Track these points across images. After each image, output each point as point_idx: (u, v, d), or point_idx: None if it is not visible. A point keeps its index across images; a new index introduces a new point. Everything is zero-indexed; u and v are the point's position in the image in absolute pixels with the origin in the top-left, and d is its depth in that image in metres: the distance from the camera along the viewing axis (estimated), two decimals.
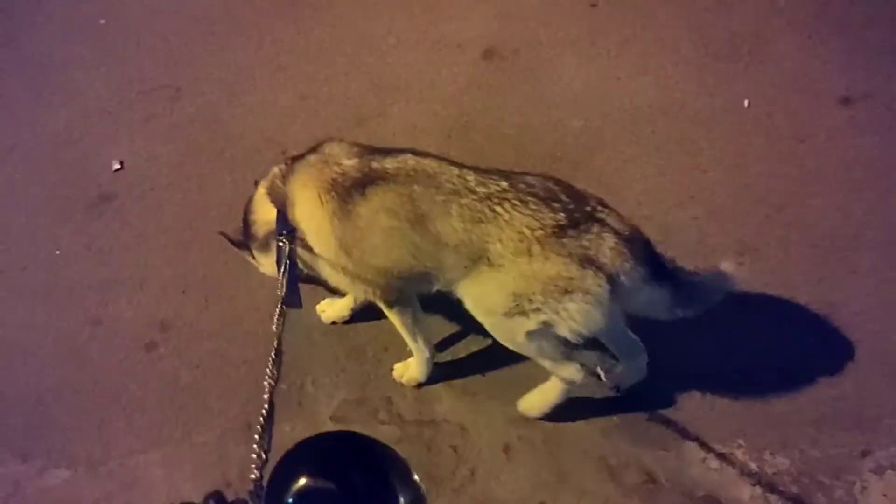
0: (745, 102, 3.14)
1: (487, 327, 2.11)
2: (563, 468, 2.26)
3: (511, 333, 2.05)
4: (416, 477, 1.12)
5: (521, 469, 2.28)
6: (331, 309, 2.61)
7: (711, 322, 2.48)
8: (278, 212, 2.11)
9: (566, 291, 1.86)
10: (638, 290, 1.91)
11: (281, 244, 2.03)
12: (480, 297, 2.03)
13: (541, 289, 1.87)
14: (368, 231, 2.01)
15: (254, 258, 2.40)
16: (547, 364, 2.14)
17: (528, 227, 1.85)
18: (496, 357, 2.41)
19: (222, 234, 2.43)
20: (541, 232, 1.84)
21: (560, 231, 1.84)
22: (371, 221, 1.99)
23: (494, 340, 2.17)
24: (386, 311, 2.27)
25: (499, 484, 2.26)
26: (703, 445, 2.23)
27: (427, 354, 2.37)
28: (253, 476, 1.12)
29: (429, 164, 2.00)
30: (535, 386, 2.32)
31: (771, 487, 2.12)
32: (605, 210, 1.94)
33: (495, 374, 2.47)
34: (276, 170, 2.20)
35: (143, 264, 2.91)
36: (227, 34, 3.76)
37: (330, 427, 2.40)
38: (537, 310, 1.91)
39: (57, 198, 3.15)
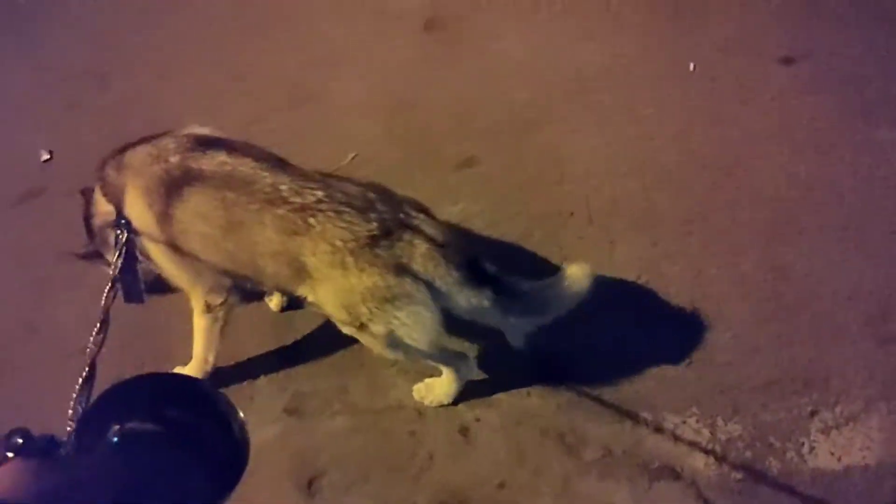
0: (691, 66, 3.12)
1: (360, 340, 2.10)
2: (521, 448, 2.24)
3: (371, 344, 2.06)
4: (241, 414, 1.10)
5: (480, 451, 2.26)
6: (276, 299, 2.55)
7: (661, 295, 2.51)
8: (115, 207, 2.05)
9: (389, 300, 1.87)
10: (456, 294, 1.92)
11: (118, 233, 1.99)
12: (323, 309, 2.02)
13: (363, 300, 1.88)
14: (187, 235, 1.98)
15: (107, 263, 2.25)
16: (435, 364, 2.19)
17: (340, 238, 1.84)
18: None
19: (73, 254, 2.33)
20: (354, 244, 1.83)
21: (373, 241, 1.84)
22: (187, 226, 1.96)
23: None
24: (196, 314, 2.22)
25: (458, 467, 2.24)
26: (657, 415, 2.24)
27: (208, 368, 2.32)
28: (68, 429, 1.09)
29: (243, 169, 1.93)
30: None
31: (725, 454, 2.14)
32: (420, 216, 1.94)
33: None
34: (109, 161, 2.10)
35: (78, 262, 2.77)
36: (157, 11, 3.58)
37: (285, 419, 2.35)
38: (371, 321, 1.92)
39: None
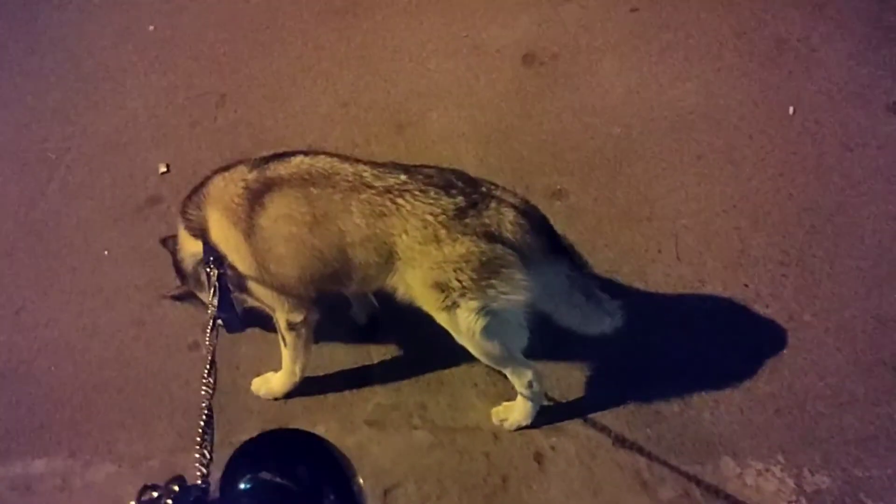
0: (790, 110, 3.07)
1: (451, 330, 2.08)
2: (596, 480, 2.24)
3: (464, 330, 2.01)
4: (360, 479, 1.22)
5: (554, 479, 2.26)
6: None
7: (751, 336, 2.45)
8: (203, 241, 2.07)
9: (483, 266, 1.88)
10: (538, 261, 1.95)
11: (209, 271, 2.01)
12: (414, 297, 2.03)
13: (457, 272, 1.89)
14: (273, 241, 2.00)
15: (200, 302, 2.35)
16: (508, 370, 2.18)
17: (430, 213, 1.87)
18: None
19: (165, 296, 2.41)
20: (444, 217, 1.87)
21: (461, 213, 1.87)
22: (273, 231, 1.98)
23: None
24: (284, 331, 2.28)
25: (530, 493, 2.25)
26: (740, 461, 2.19)
27: (296, 379, 2.42)
28: (199, 473, 1.24)
29: (322, 164, 1.98)
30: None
31: None
32: (499, 189, 1.99)
33: None
34: (188, 202, 2.15)
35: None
36: (271, 41, 3.84)
37: (365, 430, 2.43)
38: (464, 294, 1.92)
39: (107, 200, 3.26)
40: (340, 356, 2.62)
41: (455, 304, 1.95)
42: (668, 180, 2.93)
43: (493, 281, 1.90)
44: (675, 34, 3.44)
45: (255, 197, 1.96)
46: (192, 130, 3.49)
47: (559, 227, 2.80)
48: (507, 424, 2.35)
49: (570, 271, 2.05)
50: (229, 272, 2.07)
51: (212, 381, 1.59)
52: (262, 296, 2.19)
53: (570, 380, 2.43)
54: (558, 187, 3.00)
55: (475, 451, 2.35)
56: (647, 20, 3.53)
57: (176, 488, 1.09)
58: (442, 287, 1.93)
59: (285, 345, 2.33)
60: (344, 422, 2.46)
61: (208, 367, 1.63)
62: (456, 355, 2.28)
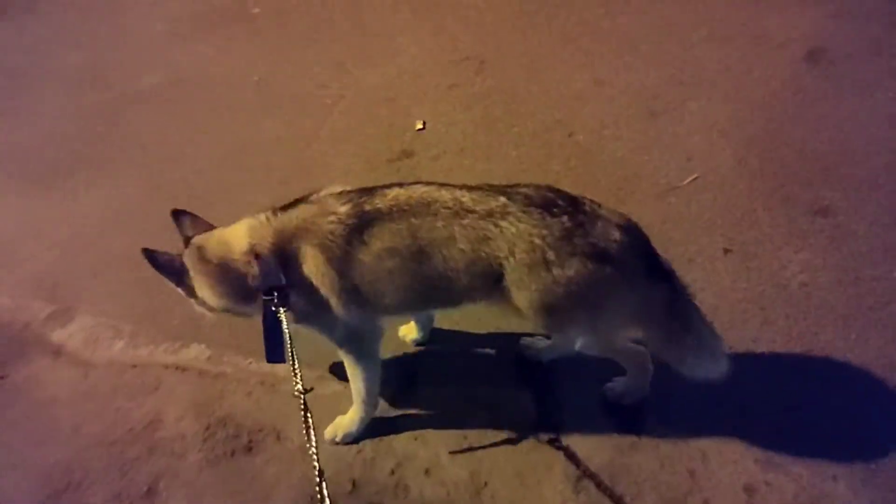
0: None
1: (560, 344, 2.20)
2: None
3: (594, 346, 2.11)
4: None
5: None
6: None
7: None
8: (269, 266, 1.96)
9: (593, 287, 1.86)
10: (640, 282, 1.91)
11: (272, 303, 1.92)
12: (524, 312, 1.98)
13: (567, 294, 1.86)
14: (375, 275, 1.95)
15: (184, 288, 2.14)
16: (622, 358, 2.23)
17: (537, 235, 1.83)
18: (757, 392, 2.24)
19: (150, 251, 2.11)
20: (551, 238, 1.82)
21: (568, 233, 1.83)
22: (376, 266, 1.93)
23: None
24: (353, 365, 2.21)
25: None
26: None
27: (372, 412, 2.32)
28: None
29: (420, 194, 1.92)
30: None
31: None
32: (602, 207, 1.93)
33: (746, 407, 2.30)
34: (261, 219, 2.03)
35: None
36: (536, 11, 3.88)
37: None
38: (574, 317, 1.95)
39: (367, 148, 3.56)
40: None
41: (567, 321, 1.98)
42: None
43: (602, 301, 1.91)
44: None
45: (353, 233, 1.92)
46: (450, 92, 3.67)
47: (818, 248, 2.56)
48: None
49: (670, 295, 1.97)
50: (301, 305, 2.02)
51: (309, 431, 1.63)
52: (330, 332, 2.15)
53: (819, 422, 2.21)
54: (825, 203, 2.69)
55: (679, 464, 2.25)
56: None
57: None
58: (552, 309, 1.92)
59: (357, 377, 2.26)
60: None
61: (305, 417, 1.65)
62: None
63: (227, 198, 3.29)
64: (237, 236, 2.03)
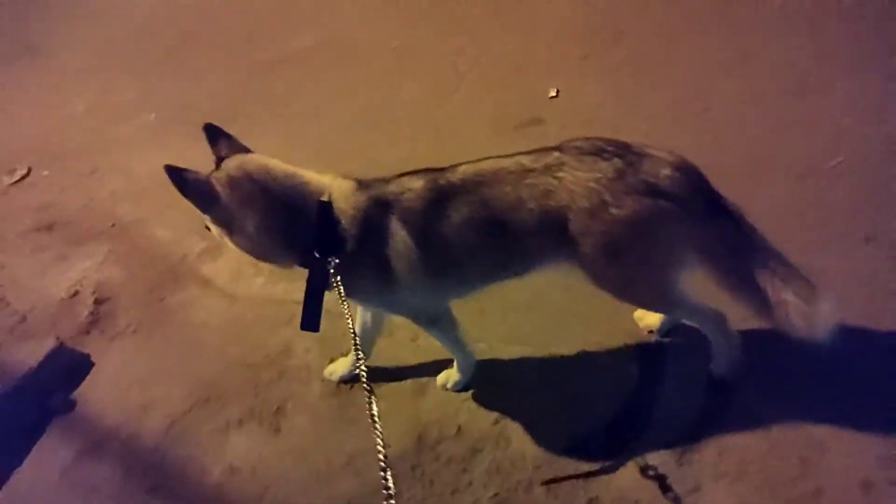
0: None
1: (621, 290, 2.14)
2: None
3: (641, 297, 2.17)
4: None
5: None
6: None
7: None
8: (340, 229, 1.99)
9: (650, 223, 1.91)
10: (698, 217, 1.94)
11: (331, 268, 1.95)
12: (588, 266, 2.03)
13: (626, 232, 1.92)
14: (456, 247, 2.03)
15: (215, 215, 2.08)
16: (695, 319, 2.26)
17: (592, 180, 1.90)
18: (889, 389, 2.13)
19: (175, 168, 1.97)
20: (605, 180, 1.90)
21: (620, 174, 1.90)
22: (457, 239, 2.02)
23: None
24: (427, 330, 2.32)
25: None
26: None
27: (470, 359, 2.43)
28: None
29: (486, 166, 2.02)
30: None
31: None
32: (652, 147, 1.97)
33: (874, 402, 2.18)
34: (348, 183, 2.07)
35: None
36: None
37: None
38: (634, 258, 1.98)
39: (496, 114, 3.63)
40: None
41: (629, 266, 2.01)
42: None
43: (661, 234, 1.95)
44: None
45: (431, 207, 2.02)
46: (584, 62, 3.66)
47: None
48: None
49: (735, 232, 1.97)
50: (362, 282, 2.07)
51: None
52: (394, 305, 2.24)
53: None
54: None
55: (791, 450, 2.19)
56: None
57: None
58: (616, 252, 1.96)
59: (438, 338, 2.37)
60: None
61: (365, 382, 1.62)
62: None
63: (358, 155, 3.48)
64: (320, 181, 2.06)
